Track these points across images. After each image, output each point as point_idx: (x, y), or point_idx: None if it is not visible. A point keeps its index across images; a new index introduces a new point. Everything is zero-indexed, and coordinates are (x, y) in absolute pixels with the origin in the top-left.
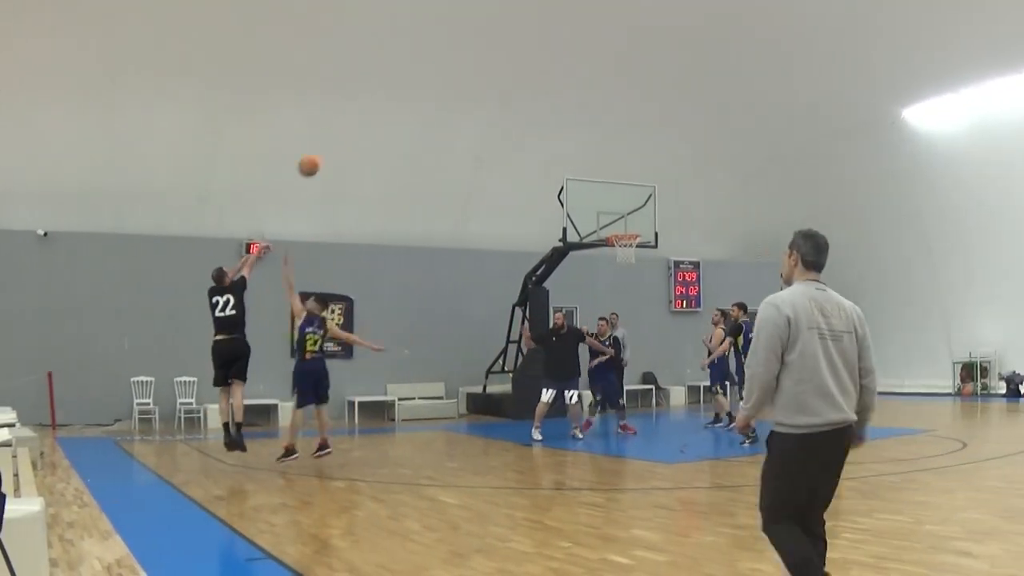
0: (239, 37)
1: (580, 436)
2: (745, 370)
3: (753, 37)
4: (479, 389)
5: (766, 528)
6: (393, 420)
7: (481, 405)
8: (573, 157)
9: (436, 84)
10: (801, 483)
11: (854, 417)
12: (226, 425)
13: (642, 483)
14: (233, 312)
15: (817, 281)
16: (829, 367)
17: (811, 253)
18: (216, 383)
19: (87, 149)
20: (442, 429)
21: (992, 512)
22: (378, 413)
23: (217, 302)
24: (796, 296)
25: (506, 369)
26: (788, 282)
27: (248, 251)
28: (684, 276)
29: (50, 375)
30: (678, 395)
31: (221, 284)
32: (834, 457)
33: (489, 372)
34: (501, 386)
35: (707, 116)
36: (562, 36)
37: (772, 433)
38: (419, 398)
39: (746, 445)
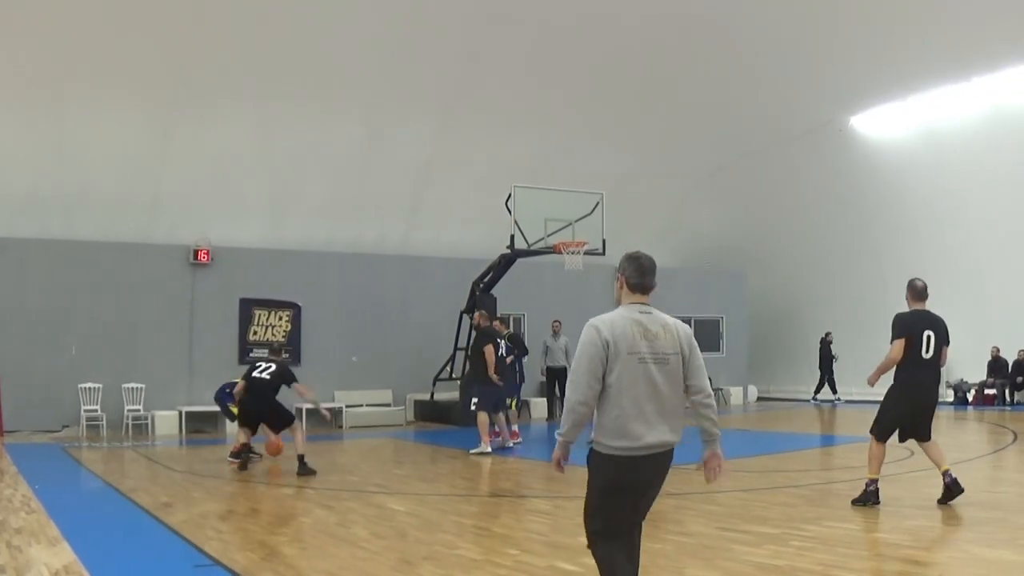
0: (186, 44)
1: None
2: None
3: (700, 44)
4: (427, 396)
5: (590, 546)
6: (341, 427)
7: (429, 412)
8: (520, 164)
9: (382, 91)
10: (620, 502)
11: (675, 440)
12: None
13: None
14: (267, 378)
15: (643, 304)
16: (650, 391)
17: (634, 275)
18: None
19: (35, 155)
20: (390, 436)
21: (940, 520)
22: (325, 420)
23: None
24: (618, 319)
25: (453, 376)
26: (617, 304)
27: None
28: None
29: None
30: None
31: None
32: (652, 478)
33: (437, 379)
34: (448, 393)
35: (653, 124)
36: (508, 44)
37: (592, 452)
38: (367, 405)
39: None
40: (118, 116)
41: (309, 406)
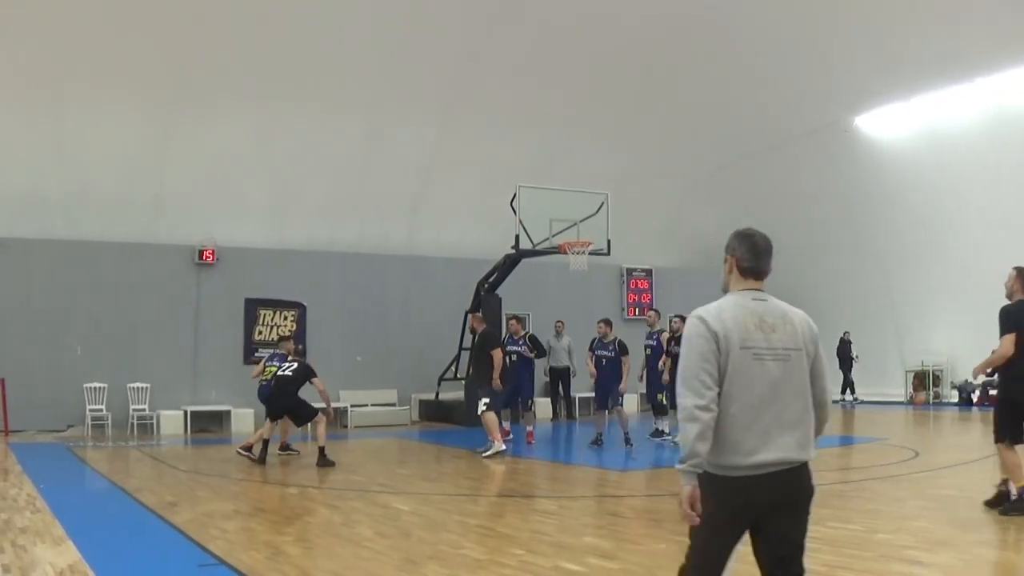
0: (186, 45)
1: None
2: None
3: (703, 44)
4: (432, 396)
5: None
6: (346, 427)
7: (433, 412)
8: (521, 164)
9: (382, 92)
10: (728, 541)
11: (806, 456)
12: (265, 442)
13: (594, 490)
14: (289, 375)
15: (757, 290)
16: (769, 395)
17: (748, 257)
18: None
19: (36, 155)
20: (395, 436)
21: (944, 521)
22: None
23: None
24: (727, 308)
25: (458, 376)
26: (725, 291)
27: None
28: (637, 284)
29: (3, 381)
30: (631, 403)
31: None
32: (775, 504)
33: (442, 379)
34: (453, 393)
35: (657, 123)
36: (508, 44)
37: (703, 474)
38: (372, 405)
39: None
40: (118, 116)
41: (323, 405)
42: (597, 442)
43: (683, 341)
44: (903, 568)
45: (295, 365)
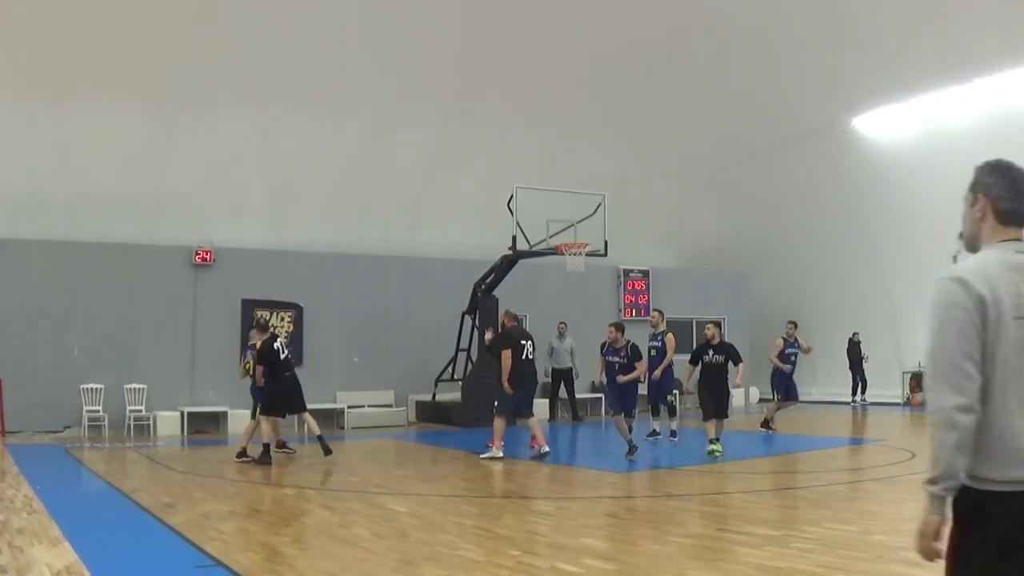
0: (187, 44)
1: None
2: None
3: (703, 44)
4: (428, 397)
5: None
6: (343, 428)
7: (430, 413)
8: (522, 165)
9: (383, 92)
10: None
11: None
12: (267, 446)
13: (592, 492)
14: (289, 355)
15: (1020, 240)
16: None
17: (1009, 196)
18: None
19: (36, 156)
20: (392, 437)
21: None
22: (328, 421)
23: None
24: (991, 265)
25: (455, 377)
26: (972, 246)
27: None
28: (633, 285)
29: (0, 382)
30: None
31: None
32: None
33: (439, 380)
34: (450, 394)
35: (657, 123)
36: (508, 45)
37: (967, 493)
38: (369, 406)
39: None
40: (119, 116)
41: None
42: (631, 451)
43: (934, 312)
44: (899, 569)
45: (282, 342)
